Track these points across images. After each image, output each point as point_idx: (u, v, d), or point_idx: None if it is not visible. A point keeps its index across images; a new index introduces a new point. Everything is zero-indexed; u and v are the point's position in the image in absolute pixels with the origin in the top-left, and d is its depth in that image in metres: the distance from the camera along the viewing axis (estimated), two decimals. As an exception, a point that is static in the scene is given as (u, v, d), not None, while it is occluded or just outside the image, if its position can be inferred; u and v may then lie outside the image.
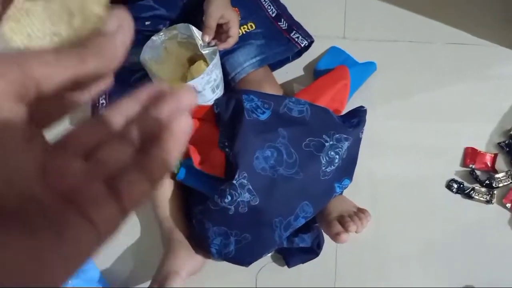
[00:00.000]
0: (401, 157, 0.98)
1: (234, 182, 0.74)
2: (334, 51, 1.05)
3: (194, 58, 0.90)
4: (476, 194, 0.95)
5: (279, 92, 0.94)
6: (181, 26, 0.86)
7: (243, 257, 0.82)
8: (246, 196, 0.75)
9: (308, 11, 1.06)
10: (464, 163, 0.97)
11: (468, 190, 0.95)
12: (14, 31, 0.23)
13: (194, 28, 0.84)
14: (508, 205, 0.94)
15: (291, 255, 0.90)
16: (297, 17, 1.01)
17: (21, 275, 0.15)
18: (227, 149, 0.79)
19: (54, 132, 0.20)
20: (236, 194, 0.74)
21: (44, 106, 0.18)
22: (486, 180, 0.94)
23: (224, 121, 0.81)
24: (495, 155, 0.97)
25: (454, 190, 0.95)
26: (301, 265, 0.90)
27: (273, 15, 1.00)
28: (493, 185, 0.94)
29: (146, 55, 0.85)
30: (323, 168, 0.79)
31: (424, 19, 1.08)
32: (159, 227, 0.90)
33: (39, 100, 0.17)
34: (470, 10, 1.08)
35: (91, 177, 0.18)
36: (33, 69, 0.16)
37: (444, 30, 1.07)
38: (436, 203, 0.95)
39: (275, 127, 0.79)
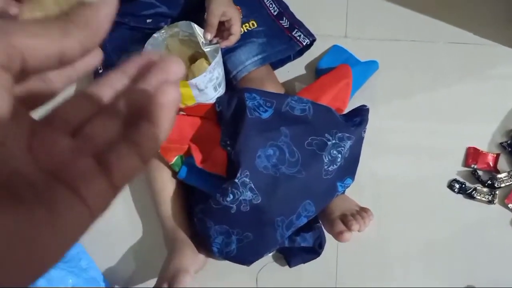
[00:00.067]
0: (403, 157, 0.97)
1: (236, 180, 0.74)
2: (336, 50, 1.04)
3: (196, 56, 0.90)
4: (478, 194, 0.94)
5: (281, 91, 0.93)
6: (182, 23, 0.85)
7: (245, 256, 0.81)
8: (248, 194, 0.75)
9: (310, 9, 1.05)
10: (466, 163, 0.97)
11: (470, 190, 0.94)
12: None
13: (196, 26, 0.84)
14: (510, 205, 0.93)
15: (292, 255, 0.89)
16: (298, 16, 1.00)
17: (13, 246, 0.15)
18: (229, 148, 0.78)
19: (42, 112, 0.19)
20: (238, 192, 0.74)
21: (30, 86, 0.18)
22: (488, 180, 0.94)
23: (226, 119, 0.81)
24: (498, 155, 0.96)
25: (456, 190, 0.95)
26: (302, 265, 0.89)
27: (275, 13, 1.00)
28: (495, 185, 0.93)
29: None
30: (326, 167, 0.79)
31: (427, 18, 1.08)
32: (161, 227, 0.89)
33: (24, 74, 0.16)
34: (473, 10, 1.08)
35: (79, 153, 0.18)
36: (19, 39, 0.16)
37: (446, 30, 1.06)
38: (438, 203, 0.95)
39: (277, 126, 0.79)
